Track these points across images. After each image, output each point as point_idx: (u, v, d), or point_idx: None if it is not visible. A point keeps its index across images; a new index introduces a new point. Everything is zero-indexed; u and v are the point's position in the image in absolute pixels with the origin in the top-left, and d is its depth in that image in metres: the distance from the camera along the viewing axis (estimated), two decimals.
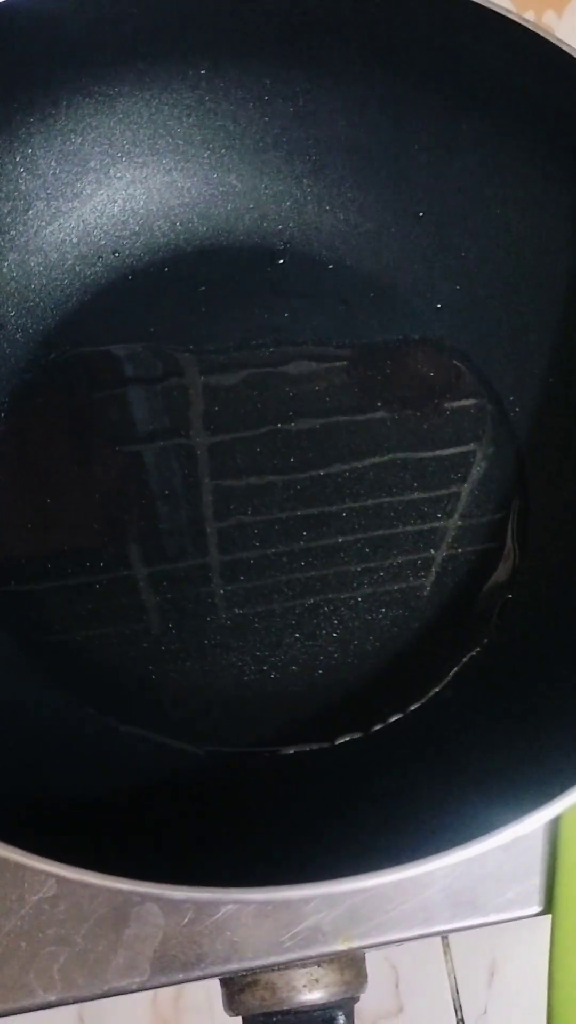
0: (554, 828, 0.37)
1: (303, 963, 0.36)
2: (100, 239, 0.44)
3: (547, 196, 0.42)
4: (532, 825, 0.29)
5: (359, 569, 0.41)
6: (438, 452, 0.43)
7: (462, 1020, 0.54)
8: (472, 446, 0.43)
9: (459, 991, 0.54)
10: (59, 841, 0.28)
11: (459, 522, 0.42)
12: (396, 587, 0.40)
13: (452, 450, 0.43)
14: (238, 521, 0.41)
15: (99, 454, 0.42)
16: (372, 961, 0.37)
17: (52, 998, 0.35)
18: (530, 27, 0.39)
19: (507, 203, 0.43)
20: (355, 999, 0.37)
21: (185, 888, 0.26)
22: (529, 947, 0.54)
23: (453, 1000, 0.54)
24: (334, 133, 0.44)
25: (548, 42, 0.38)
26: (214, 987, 0.37)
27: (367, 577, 0.40)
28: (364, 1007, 0.37)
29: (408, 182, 0.44)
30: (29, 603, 0.39)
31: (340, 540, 0.41)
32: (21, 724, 0.36)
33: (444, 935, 0.50)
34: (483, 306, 0.44)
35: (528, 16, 0.54)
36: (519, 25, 0.39)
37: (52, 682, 0.37)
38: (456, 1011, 0.54)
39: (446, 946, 0.54)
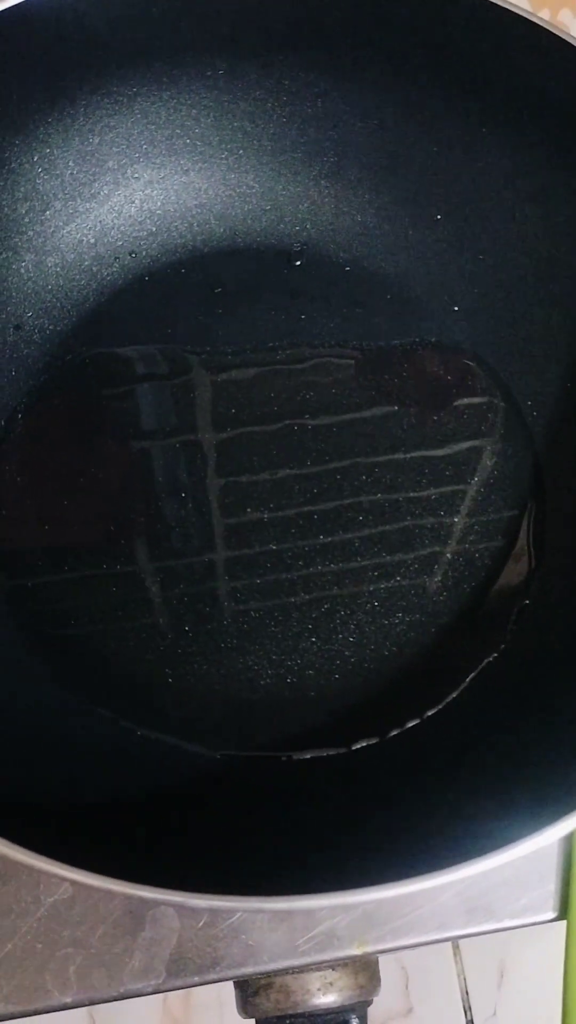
0: (569, 834, 0.37)
1: (318, 967, 0.36)
2: (117, 240, 0.44)
3: (566, 199, 0.42)
4: (553, 837, 0.29)
5: (375, 573, 0.40)
6: (452, 453, 0.43)
7: (471, 1021, 0.53)
8: (488, 448, 0.43)
9: (469, 992, 0.54)
10: (74, 846, 0.27)
11: (475, 527, 0.41)
12: (412, 590, 0.40)
13: (467, 452, 0.43)
14: (254, 522, 0.41)
15: (115, 454, 0.41)
16: (383, 962, 0.37)
17: (68, 999, 0.35)
18: (547, 27, 0.38)
19: (525, 206, 0.43)
20: (368, 1002, 0.37)
21: (203, 896, 0.26)
22: (539, 950, 0.54)
23: (463, 1001, 0.54)
24: (352, 135, 0.44)
25: (566, 42, 0.38)
26: (225, 989, 0.37)
27: (383, 580, 0.40)
28: (374, 1008, 0.37)
29: (426, 184, 0.44)
30: (44, 604, 0.39)
31: (356, 543, 0.41)
32: (36, 727, 0.36)
33: (458, 939, 0.50)
34: (500, 309, 0.44)
35: (543, 15, 0.54)
36: (537, 25, 0.38)
37: (67, 685, 0.37)
38: (465, 1012, 0.54)
39: (456, 948, 0.54)
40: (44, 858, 0.26)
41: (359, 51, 0.41)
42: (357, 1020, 0.36)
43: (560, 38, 0.38)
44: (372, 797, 0.35)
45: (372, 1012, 0.36)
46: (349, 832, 0.32)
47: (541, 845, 0.28)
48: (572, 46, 0.38)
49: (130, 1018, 0.53)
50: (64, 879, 0.26)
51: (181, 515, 0.41)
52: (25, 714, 0.36)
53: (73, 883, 0.35)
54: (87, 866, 0.26)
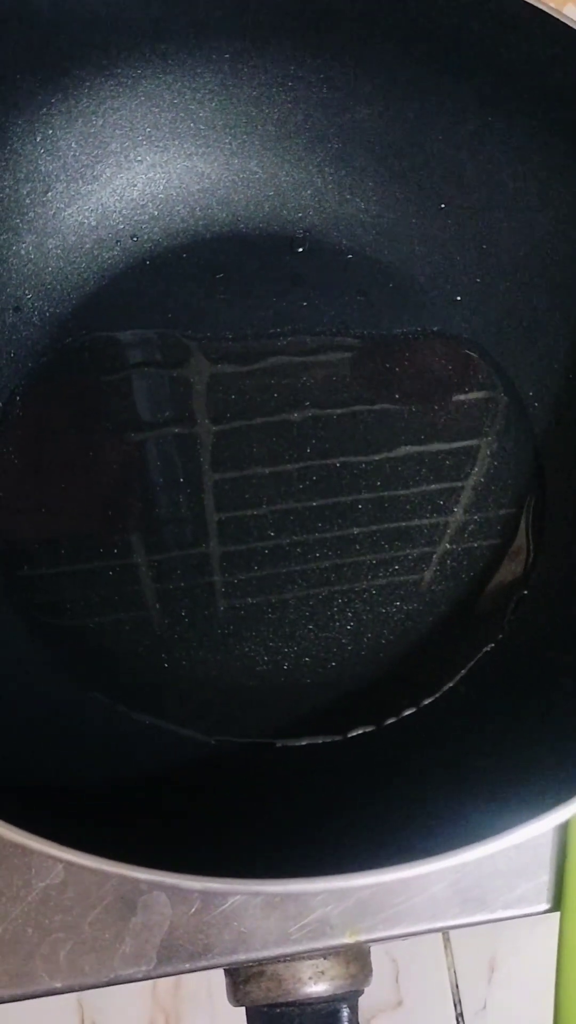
0: (564, 825, 0.37)
1: (310, 955, 0.36)
2: (118, 223, 0.44)
3: (570, 188, 0.41)
4: (547, 826, 0.28)
5: (373, 561, 0.40)
6: (453, 445, 0.43)
7: (461, 1015, 0.53)
8: (488, 439, 0.43)
9: (459, 986, 0.54)
10: (70, 827, 0.27)
11: (475, 516, 0.41)
12: (410, 580, 0.40)
13: (467, 443, 0.43)
14: (252, 510, 0.41)
15: (114, 439, 0.41)
16: (372, 954, 0.37)
17: (58, 984, 0.35)
18: (555, 14, 0.38)
19: (530, 196, 0.42)
20: (359, 992, 0.36)
21: (197, 878, 0.26)
22: (530, 943, 0.54)
23: (453, 994, 0.54)
24: (357, 122, 0.44)
25: (573, 30, 0.38)
26: (214, 977, 0.37)
27: (381, 569, 0.40)
28: (363, 1000, 0.37)
29: (431, 173, 0.44)
30: (42, 589, 0.39)
31: (355, 531, 0.41)
32: (32, 712, 0.35)
33: (450, 930, 0.50)
34: (503, 299, 0.44)
35: (551, 2, 0.54)
36: (544, 13, 0.38)
37: (64, 670, 0.37)
38: (455, 1005, 0.53)
39: (446, 940, 0.54)
40: (39, 838, 0.26)
41: (365, 37, 0.41)
42: (348, 1009, 0.36)
43: (567, 26, 0.38)
44: (367, 784, 0.35)
45: (362, 1005, 0.36)
46: (343, 818, 0.32)
47: (535, 833, 0.28)
48: None
49: (119, 1009, 0.53)
50: (59, 860, 0.26)
51: (178, 502, 0.41)
52: (21, 698, 0.36)
53: (67, 864, 0.35)
54: (81, 847, 0.26)
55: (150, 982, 0.52)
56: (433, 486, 0.42)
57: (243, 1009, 0.36)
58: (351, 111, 0.43)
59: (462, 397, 0.43)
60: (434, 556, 0.41)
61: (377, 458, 0.42)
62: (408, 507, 0.41)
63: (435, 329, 0.44)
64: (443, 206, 0.44)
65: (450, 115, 0.42)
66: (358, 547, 0.40)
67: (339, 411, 0.43)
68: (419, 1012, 0.54)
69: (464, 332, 0.44)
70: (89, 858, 0.26)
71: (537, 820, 0.28)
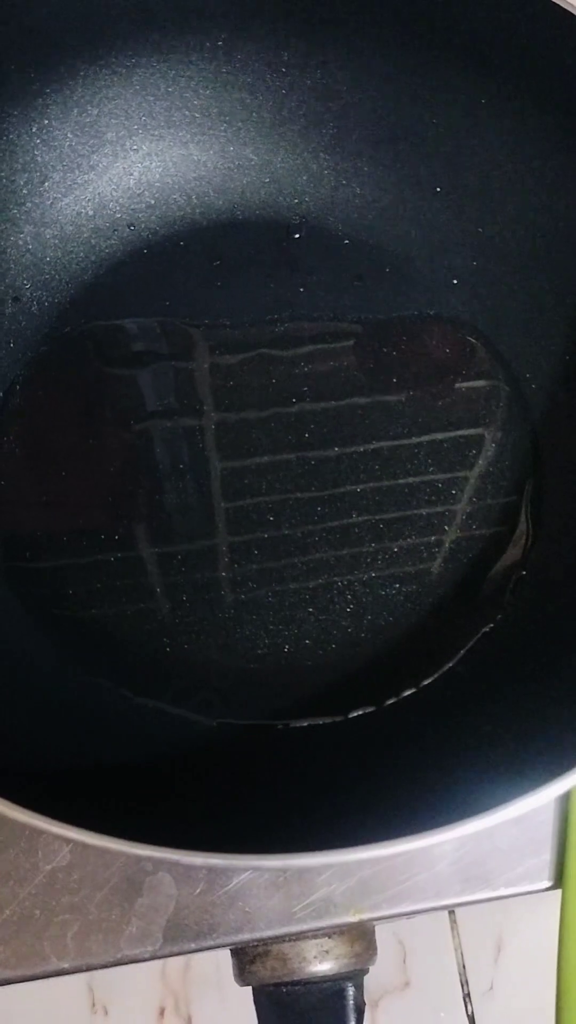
0: (565, 803, 0.38)
1: (314, 934, 0.36)
2: (116, 212, 0.44)
3: (566, 170, 0.41)
4: (543, 799, 0.29)
5: (373, 547, 0.41)
6: (451, 430, 0.43)
7: (468, 995, 0.54)
8: (486, 424, 0.43)
9: (466, 967, 0.54)
10: (75, 808, 0.28)
11: (473, 499, 0.42)
12: (409, 562, 0.40)
13: (466, 428, 0.43)
14: (252, 498, 0.41)
15: (114, 429, 0.42)
16: (379, 936, 0.37)
17: (65, 965, 0.36)
18: None
19: (526, 179, 0.42)
20: (365, 971, 0.37)
21: (201, 854, 0.27)
22: (536, 924, 0.54)
23: (460, 975, 0.54)
24: (352, 107, 0.44)
25: (570, 14, 0.38)
26: (223, 959, 0.37)
27: (381, 555, 0.40)
28: (371, 981, 0.37)
29: (426, 157, 0.44)
30: (44, 577, 0.39)
31: (354, 519, 0.41)
32: (38, 696, 0.36)
33: (454, 908, 0.50)
34: (500, 282, 0.44)
35: None
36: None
37: (68, 655, 0.37)
38: (463, 986, 0.54)
39: (453, 922, 0.55)
40: (47, 818, 0.27)
41: (359, 22, 0.41)
42: (353, 988, 0.36)
43: (564, 10, 0.38)
44: (368, 763, 0.35)
45: (369, 985, 0.37)
46: (345, 795, 0.32)
47: (535, 806, 0.28)
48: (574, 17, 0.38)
49: (129, 992, 0.53)
50: (66, 839, 0.26)
51: (179, 489, 0.41)
52: (27, 684, 0.36)
53: (74, 845, 0.36)
54: (87, 826, 0.26)
55: (159, 966, 0.53)
56: (431, 470, 0.42)
57: (250, 989, 0.36)
58: (345, 96, 0.43)
59: (460, 381, 0.44)
60: (433, 539, 0.41)
61: (375, 445, 0.42)
62: (407, 491, 0.41)
63: (432, 312, 0.44)
64: (439, 189, 0.44)
65: (445, 98, 0.42)
66: (358, 533, 0.41)
67: (338, 398, 0.43)
68: (426, 993, 0.54)
69: (462, 315, 0.44)
70: (95, 836, 0.26)
71: (535, 792, 0.28)
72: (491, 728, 0.35)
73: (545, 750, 0.31)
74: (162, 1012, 0.53)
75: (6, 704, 0.34)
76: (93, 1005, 0.53)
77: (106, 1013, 0.53)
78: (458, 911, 0.54)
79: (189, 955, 0.51)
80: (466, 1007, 0.54)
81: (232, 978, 0.37)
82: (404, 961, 0.54)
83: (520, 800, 0.28)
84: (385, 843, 0.28)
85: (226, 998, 0.53)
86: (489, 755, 0.33)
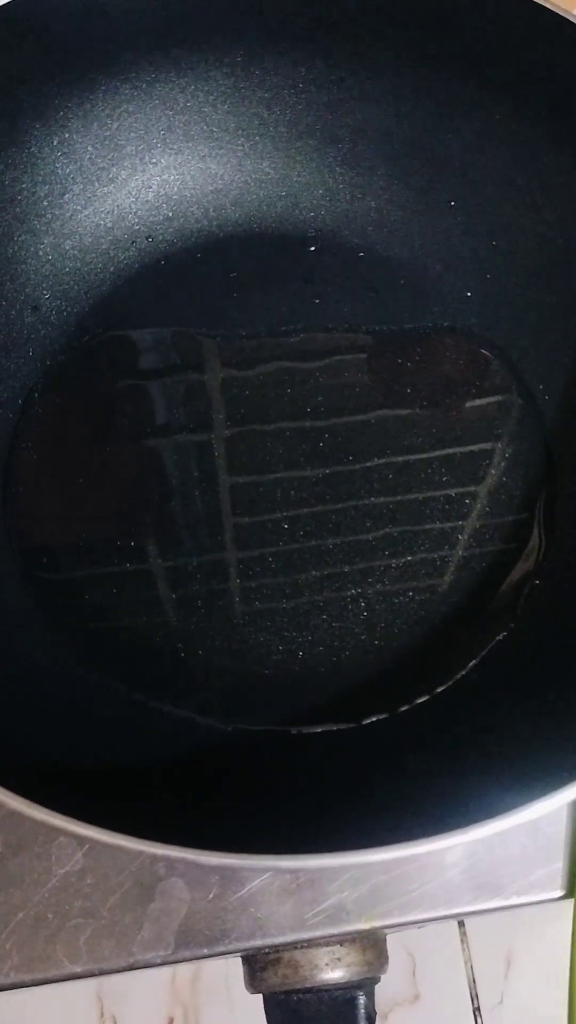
0: None
1: (326, 942, 0.36)
2: (134, 224, 0.45)
3: None
4: (554, 804, 0.29)
5: (387, 558, 0.41)
6: (464, 442, 0.43)
7: (478, 1008, 0.54)
8: (499, 434, 0.43)
9: (476, 980, 0.54)
10: (91, 808, 0.28)
11: (487, 511, 0.42)
12: (424, 574, 0.40)
13: (479, 440, 0.43)
14: (266, 508, 0.41)
15: (132, 438, 0.42)
16: (389, 948, 0.37)
17: (78, 969, 0.36)
18: (565, 15, 0.39)
19: (539, 193, 0.43)
20: (376, 979, 0.37)
21: (215, 854, 0.27)
22: (546, 937, 0.54)
23: (470, 988, 0.54)
24: (367, 121, 0.44)
25: None
26: (232, 969, 0.37)
27: (395, 565, 0.41)
28: (381, 993, 0.37)
29: (440, 171, 0.44)
30: (61, 583, 0.39)
31: (368, 530, 0.41)
32: (55, 700, 0.36)
33: (465, 917, 0.50)
34: (513, 295, 0.44)
35: (559, 3, 0.54)
36: (554, 13, 0.39)
37: (84, 659, 0.38)
38: (473, 999, 0.54)
39: (463, 934, 0.54)
40: (65, 817, 0.27)
41: (376, 38, 0.42)
42: (364, 996, 0.36)
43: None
44: (381, 770, 0.35)
45: (379, 998, 0.37)
46: (358, 801, 0.32)
47: (546, 811, 0.28)
48: None
49: (138, 1001, 0.53)
50: (84, 837, 0.27)
51: (195, 498, 0.41)
52: (45, 686, 0.37)
53: (87, 847, 0.36)
54: (103, 824, 0.26)
55: (168, 974, 0.53)
56: (445, 479, 0.42)
57: (260, 997, 0.36)
58: (361, 111, 0.44)
59: (474, 394, 0.44)
60: (446, 548, 0.41)
61: (390, 458, 0.42)
62: (421, 500, 0.42)
63: (446, 325, 0.44)
64: (453, 203, 0.44)
65: (459, 114, 0.43)
66: (372, 544, 0.41)
67: (353, 410, 0.43)
68: (436, 1006, 0.54)
69: (475, 327, 0.44)
70: (115, 835, 0.27)
71: (547, 798, 0.28)
72: (504, 735, 0.35)
73: (558, 757, 0.31)
74: (171, 1022, 0.53)
75: (26, 707, 0.35)
76: (102, 1015, 0.53)
77: (115, 1022, 0.53)
78: (468, 923, 0.54)
79: (198, 965, 0.51)
80: (476, 1021, 0.53)
81: (241, 988, 0.37)
82: (414, 973, 0.54)
83: (532, 805, 0.29)
84: (398, 846, 0.28)
85: (235, 1008, 0.53)
86: (502, 762, 0.33)
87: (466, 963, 0.54)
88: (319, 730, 0.37)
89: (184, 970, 0.52)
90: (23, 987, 0.36)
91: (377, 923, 0.37)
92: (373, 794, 0.32)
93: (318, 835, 0.29)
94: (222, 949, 0.36)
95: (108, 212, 0.44)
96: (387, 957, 0.37)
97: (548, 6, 0.39)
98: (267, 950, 0.36)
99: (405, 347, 0.44)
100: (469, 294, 0.45)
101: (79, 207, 0.44)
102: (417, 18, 0.41)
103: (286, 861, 0.27)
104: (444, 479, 0.42)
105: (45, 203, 0.43)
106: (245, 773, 0.35)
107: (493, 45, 0.41)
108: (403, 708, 0.37)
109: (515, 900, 0.37)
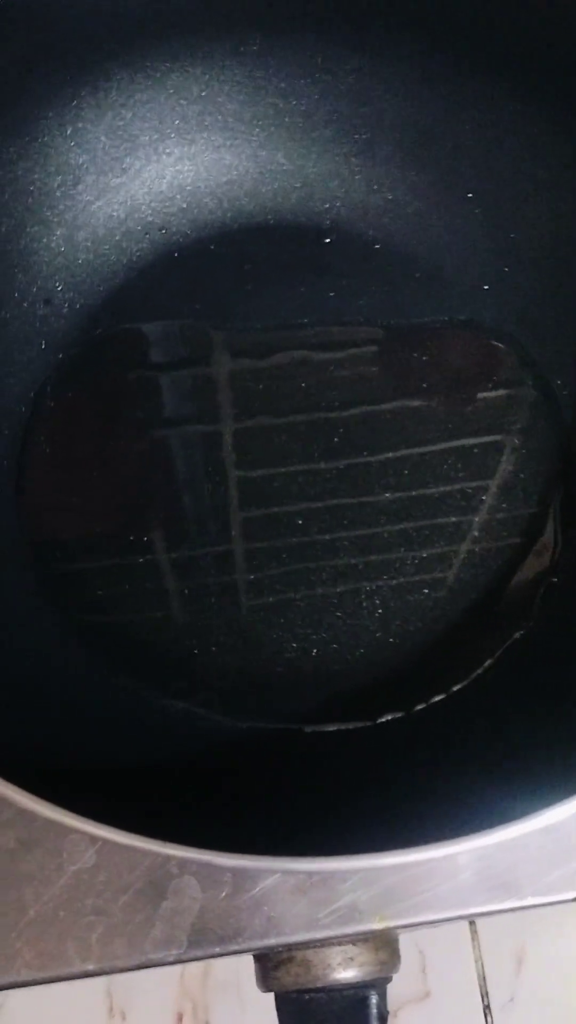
0: None
1: (339, 941, 0.36)
2: (147, 215, 0.44)
3: None
4: (573, 809, 0.28)
5: (401, 553, 0.40)
6: (480, 436, 0.43)
7: (488, 1007, 0.53)
8: (515, 430, 0.43)
9: (486, 978, 0.54)
10: (104, 807, 0.28)
11: (503, 505, 0.41)
12: (439, 570, 0.40)
13: (495, 434, 0.43)
14: (279, 503, 0.41)
15: (144, 431, 0.42)
16: (400, 945, 0.37)
17: (89, 967, 0.35)
18: None
19: (557, 184, 0.42)
20: (388, 979, 0.37)
21: (229, 856, 0.26)
22: (557, 936, 0.54)
23: (480, 987, 0.54)
24: (384, 112, 0.44)
25: None
26: (242, 966, 0.37)
27: (409, 561, 0.40)
28: (391, 991, 0.37)
29: (457, 162, 0.44)
30: (73, 579, 0.39)
31: (382, 524, 0.41)
32: (68, 698, 0.36)
33: (479, 918, 0.50)
34: (530, 288, 0.44)
35: None
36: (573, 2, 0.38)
37: (95, 655, 0.37)
38: (483, 997, 0.53)
39: (474, 932, 0.54)
40: (77, 816, 0.27)
41: (392, 27, 0.41)
42: (377, 996, 0.36)
43: None
44: (396, 768, 0.35)
45: (389, 996, 0.36)
46: (372, 800, 0.32)
47: (565, 815, 0.28)
48: None
49: (147, 998, 0.53)
50: (96, 837, 0.26)
51: (208, 492, 0.41)
52: (56, 683, 0.36)
53: (99, 845, 0.36)
54: (116, 824, 0.26)
55: (178, 970, 0.52)
56: (461, 476, 0.42)
57: (271, 995, 0.36)
58: (378, 101, 0.44)
59: (490, 387, 0.43)
60: (462, 546, 0.41)
61: (405, 452, 0.42)
62: (437, 497, 0.41)
63: (463, 318, 0.44)
64: (470, 195, 0.44)
65: (477, 104, 0.42)
66: (386, 539, 0.40)
67: (367, 403, 0.43)
68: (446, 1004, 0.53)
69: (491, 321, 0.44)
70: (125, 835, 0.26)
71: (566, 802, 0.28)
72: (521, 736, 0.34)
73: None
74: (180, 1018, 0.53)
75: (37, 704, 0.35)
76: (111, 1010, 0.53)
77: (124, 1018, 0.52)
78: (479, 921, 0.54)
79: (207, 962, 0.51)
80: (486, 1019, 0.53)
81: (251, 984, 0.37)
82: (424, 971, 0.54)
83: (550, 809, 0.28)
84: (414, 849, 0.27)
85: (244, 1005, 0.52)
86: (519, 762, 0.32)
87: (476, 961, 0.54)
88: (333, 728, 0.37)
89: (194, 966, 0.52)
90: (34, 984, 0.36)
91: (391, 923, 0.36)
92: (387, 793, 0.32)
93: (332, 835, 0.29)
94: (235, 948, 0.36)
95: (121, 203, 0.44)
96: (399, 956, 0.37)
97: None
98: (280, 949, 0.36)
99: (420, 340, 0.44)
100: (486, 287, 0.44)
101: (92, 198, 0.43)
102: (434, 6, 0.41)
103: (302, 864, 0.27)
104: (459, 473, 0.42)
105: (58, 194, 0.42)
106: (259, 771, 0.35)
107: (510, 34, 0.40)
108: (419, 707, 0.37)
109: (531, 901, 0.37)
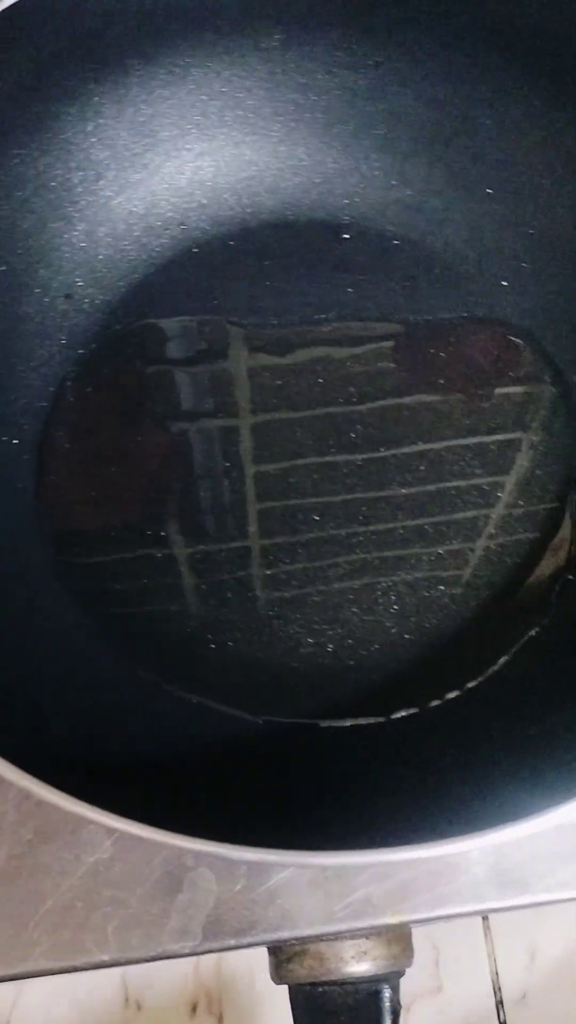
0: None
1: (352, 935, 0.36)
2: (167, 211, 0.44)
3: None
4: None
5: (418, 548, 0.40)
6: (497, 432, 0.43)
7: (501, 1002, 0.54)
8: (533, 426, 0.43)
9: (499, 973, 0.54)
10: (122, 799, 0.28)
11: (519, 502, 0.41)
12: (455, 566, 0.40)
13: (512, 430, 0.43)
14: (297, 498, 0.41)
15: (164, 426, 0.42)
16: (414, 939, 0.37)
17: (105, 958, 0.36)
18: None
19: None
20: (401, 973, 0.37)
21: (245, 848, 0.27)
22: (571, 930, 0.54)
23: (493, 982, 0.54)
24: (403, 107, 0.44)
25: None
26: (256, 957, 0.37)
27: (426, 556, 0.40)
28: (403, 985, 0.37)
29: (477, 158, 0.44)
30: (92, 573, 0.39)
31: (399, 519, 0.41)
32: (85, 688, 0.36)
33: (492, 913, 0.50)
34: (549, 284, 0.43)
35: None
36: None
37: (114, 648, 0.38)
38: (495, 992, 0.54)
39: (487, 927, 0.54)
40: (95, 807, 0.27)
41: (413, 23, 0.41)
42: (390, 989, 0.36)
43: None
44: (411, 764, 0.35)
45: (402, 990, 0.37)
46: (387, 796, 0.32)
47: None
48: None
49: (163, 987, 0.53)
50: (114, 829, 0.27)
51: (225, 486, 0.41)
52: (75, 675, 0.37)
53: (116, 836, 0.36)
54: (133, 816, 0.26)
55: (192, 961, 0.53)
56: (477, 472, 0.42)
57: (285, 988, 0.36)
58: (397, 97, 0.43)
59: (508, 383, 0.43)
60: (478, 542, 0.41)
61: (422, 447, 0.42)
62: (453, 493, 0.41)
63: (481, 314, 0.44)
64: (489, 191, 0.44)
65: (497, 100, 0.42)
66: (402, 534, 0.40)
67: (385, 399, 0.43)
68: (459, 999, 0.54)
69: (510, 317, 0.44)
70: (142, 827, 0.27)
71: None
72: (536, 733, 0.34)
73: None
74: (194, 1008, 0.53)
75: (54, 696, 0.35)
76: (127, 999, 0.53)
77: (139, 1008, 0.53)
78: (492, 916, 0.54)
79: (221, 953, 0.52)
80: (499, 1014, 0.53)
81: (265, 975, 0.37)
82: (437, 965, 0.54)
83: (564, 807, 0.28)
84: (427, 844, 0.27)
85: (258, 996, 0.53)
86: (533, 759, 0.32)
87: (489, 955, 0.54)
88: (348, 724, 0.37)
89: (208, 958, 0.53)
90: (51, 974, 0.36)
91: (404, 917, 0.36)
92: (402, 789, 0.32)
93: (346, 830, 0.29)
94: (249, 940, 0.36)
95: (141, 199, 0.44)
96: (412, 950, 0.37)
97: None
98: (294, 942, 0.36)
99: (438, 336, 0.44)
100: (504, 283, 0.44)
101: (113, 194, 0.43)
102: (453, 2, 0.40)
103: (317, 858, 0.27)
104: (476, 470, 0.42)
105: (79, 189, 0.43)
106: (274, 766, 0.35)
107: (530, 30, 0.40)
108: (434, 703, 0.37)
109: (543, 897, 0.37)
